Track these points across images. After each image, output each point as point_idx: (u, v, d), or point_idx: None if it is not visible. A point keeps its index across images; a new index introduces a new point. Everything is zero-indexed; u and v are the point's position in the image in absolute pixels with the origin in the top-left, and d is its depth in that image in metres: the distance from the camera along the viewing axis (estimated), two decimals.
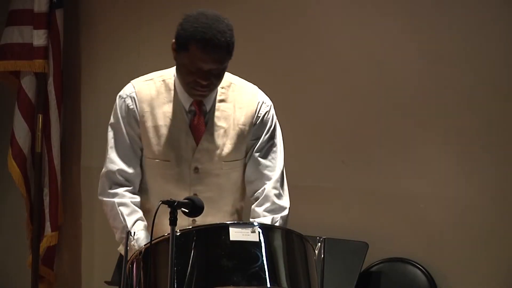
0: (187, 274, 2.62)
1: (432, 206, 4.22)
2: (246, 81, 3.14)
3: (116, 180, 3.03)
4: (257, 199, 3.07)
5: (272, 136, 3.10)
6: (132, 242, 2.89)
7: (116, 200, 3.00)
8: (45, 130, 4.93)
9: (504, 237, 4.09)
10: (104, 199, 3.03)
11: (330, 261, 2.92)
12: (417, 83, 4.27)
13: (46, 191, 4.96)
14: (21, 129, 4.92)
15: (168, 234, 2.58)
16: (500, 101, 4.11)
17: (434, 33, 4.24)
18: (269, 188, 3.05)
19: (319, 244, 2.85)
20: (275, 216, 3.02)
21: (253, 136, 3.07)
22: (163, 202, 2.59)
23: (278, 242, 2.74)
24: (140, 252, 2.76)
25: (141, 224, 2.98)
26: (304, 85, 4.48)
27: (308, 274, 2.76)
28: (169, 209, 2.57)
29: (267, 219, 3.00)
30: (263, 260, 2.65)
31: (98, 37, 5.03)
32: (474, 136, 4.15)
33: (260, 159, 3.07)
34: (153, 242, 2.70)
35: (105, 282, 4.43)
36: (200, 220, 2.95)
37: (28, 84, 4.93)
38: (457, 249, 4.16)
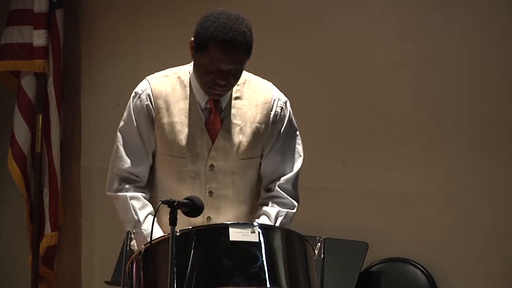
0: (187, 274, 2.62)
1: (432, 206, 4.23)
2: (261, 78, 3.13)
3: (126, 176, 3.02)
4: (269, 189, 3.08)
5: (288, 133, 3.10)
6: (132, 242, 2.88)
7: (128, 194, 2.99)
8: (45, 130, 4.94)
9: (504, 237, 4.09)
10: (114, 193, 3.02)
11: (330, 261, 2.92)
12: (417, 84, 4.28)
13: (46, 191, 4.96)
14: (21, 129, 4.93)
15: (168, 234, 2.58)
16: (500, 101, 4.12)
17: (433, 34, 4.24)
18: (283, 183, 3.06)
19: (319, 244, 2.84)
20: (282, 209, 3.03)
21: (270, 134, 3.06)
22: (163, 202, 2.59)
23: (278, 242, 2.73)
24: (140, 252, 2.75)
25: (152, 219, 2.96)
26: (305, 86, 4.48)
27: (308, 274, 2.76)
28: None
29: (273, 210, 3.01)
30: (263, 261, 2.64)
31: (98, 37, 5.04)
32: (475, 136, 4.16)
33: (277, 156, 3.07)
34: (153, 242, 2.70)
35: (105, 282, 4.43)
36: (216, 218, 2.98)
37: (28, 84, 4.94)
38: (457, 249, 4.17)
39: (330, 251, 2.90)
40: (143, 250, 2.74)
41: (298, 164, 3.11)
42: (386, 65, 4.34)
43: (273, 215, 3.00)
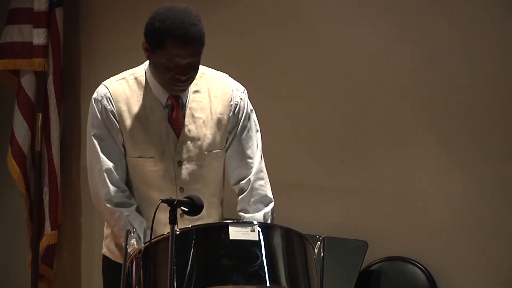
0: (187, 273, 2.64)
1: (431, 205, 4.23)
2: (215, 70, 3.16)
3: (116, 181, 3.01)
4: (242, 189, 3.11)
5: (248, 122, 3.14)
6: (132, 241, 2.89)
7: (124, 210, 2.99)
8: (44, 129, 4.93)
9: (504, 237, 4.09)
10: (110, 206, 3.01)
11: (330, 260, 2.92)
12: (416, 83, 4.28)
13: (45, 190, 4.96)
14: (21, 128, 4.92)
15: (168, 233, 2.58)
16: (500, 100, 4.12)
17: (432, 32, 4.24)
18: (254, 179, 3.10)
19: (319, 243, 2.86)
20: (266, 210, 3.06)
21: (231, 124, 3.09)
22: (163, 201, 2.60)
23: (277, 241, 2.74)
24: (140, 251, 2.76)
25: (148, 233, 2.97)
26: (304, 85, 4.48)
27: (307, 273, 2.77)
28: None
29: (258, 215, 3.04)
30: (262, 259, 2.66)
31: (98, 36, 5.04)
32: (474, 134, 4.16)
33: (240, 146, 3.11)
34: (152, 241, 2.71)
35: None
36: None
37: (28, 83, 4.93)
38: (457, 248, 4.17)
39: (330, 250, 2.91)
40: (143, 249, 2.75)
41: (259, 152, 3.14)
42: (385, 65, 4.33)
43: (261, 220, 3.02)
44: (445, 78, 4.21)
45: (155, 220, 2.66)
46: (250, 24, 4.52)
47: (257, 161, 3.12)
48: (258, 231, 2.69)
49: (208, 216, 3.05)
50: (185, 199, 2.66)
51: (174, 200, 2.60)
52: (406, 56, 4.29)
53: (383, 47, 4.34)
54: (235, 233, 2.67)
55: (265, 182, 3.12)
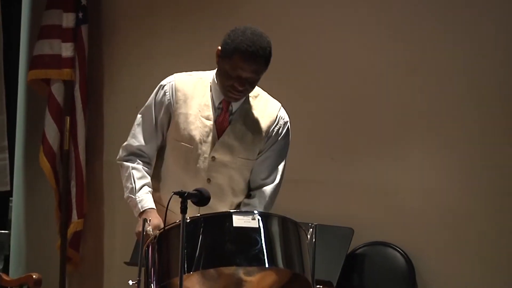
0: (196, 256, 2.67)
1: (410, 196, 4.24)
2: (272, 97, 3.19)
3: (134, 152, 3.11)
4: (248, 196, 3.14)
5: (280, 147, 3.14)
6: (148, 228, 2.91)
7: (131, 164, 3.08)
8: (72, 130, 4.96)
9: (473, 221, 4.10)
10: (121, 162, 3.12)
11: (320, 245, 2.93)
12: (399, 87, 4.27)
13: (73, 183, 4.98)
14: (51, 129, 4.94)
15: (179, 221, 2.62)
16: (484, 101, 4.10)
17: (418, 37, 4.22)
18: (264, 194, 3.11)
19: (311, 229, 2.88)
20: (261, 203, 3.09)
21: (267, 143, 3.11)
22: (175, 193, 2.64)
23: (275, 228, 2.78)
24: (155, 237, 2.80)
25: (147, 189, 3.06)
26: (296, 88, 4.44)
27: (301, 256, 2.81)
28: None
29: (253, 201, 3.07)
30: (262, 244, 2.69)
31: (118, 49, 5.05)
32: (450, 136, 4.17)
33: (266, 161, 3.12)
34: (166, 228, 2.75)
35: (124, 262, 4.45)
36: (212, 204, 2.93)
37: (57, 90, 4.95)
38: (431, 234, 4.17)
39: (321, 235, 2.91)
40: (157, 235, 2.79)
41: (281, 174, 3.13)
42: (372, 69, 4.31)
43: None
44: (429, 81, 4.21)
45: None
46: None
47: (275, 181, 3.12)
48: (258, 219, 2.72)
49: None
50: (195, 191, 2.69)
51: (185, 192, 2.63)
52: (392, 60, 4.27)
53: (370, 51, 4.32)
54: (238, 221, 2.70)
55: (265, 202, 3.10)
